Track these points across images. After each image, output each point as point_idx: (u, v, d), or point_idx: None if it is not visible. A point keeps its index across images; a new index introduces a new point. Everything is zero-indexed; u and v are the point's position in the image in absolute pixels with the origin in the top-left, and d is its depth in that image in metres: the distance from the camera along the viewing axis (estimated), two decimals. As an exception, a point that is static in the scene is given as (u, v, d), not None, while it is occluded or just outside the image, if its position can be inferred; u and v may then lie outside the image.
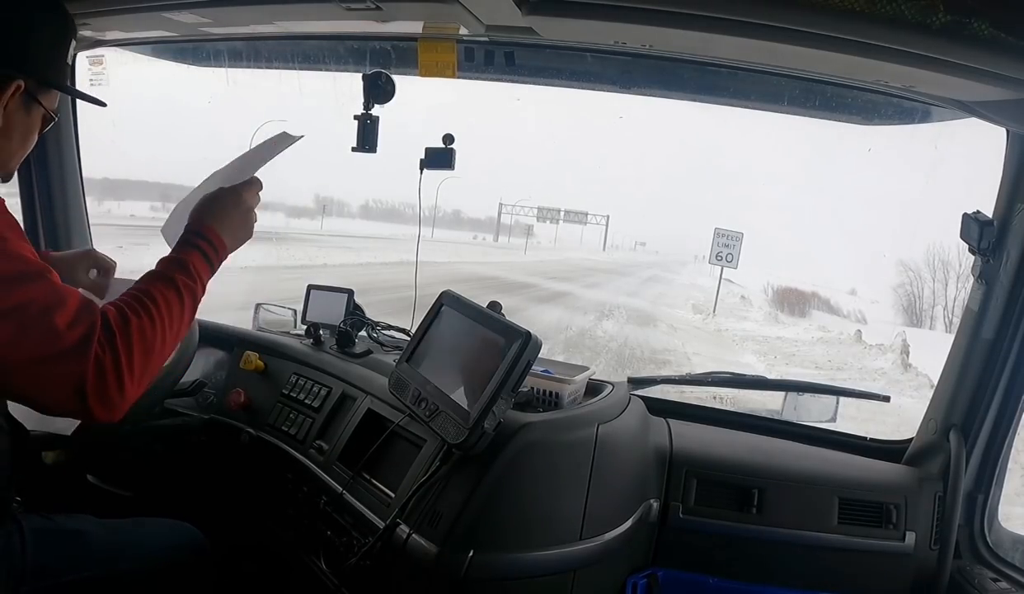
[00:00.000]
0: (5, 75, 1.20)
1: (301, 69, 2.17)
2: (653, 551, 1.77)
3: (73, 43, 1.33)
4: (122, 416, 1.11)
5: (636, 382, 2.06)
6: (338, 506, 1.65)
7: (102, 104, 1.46)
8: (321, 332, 2.15)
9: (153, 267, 1.26)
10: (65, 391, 1.07)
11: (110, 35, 2.03)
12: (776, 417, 2.09)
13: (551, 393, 1.66)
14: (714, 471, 1.79)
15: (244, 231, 1.38)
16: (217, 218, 1.33)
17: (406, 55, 1.90)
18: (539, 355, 1.47)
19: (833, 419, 2.08)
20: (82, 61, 2.23)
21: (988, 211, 1.71)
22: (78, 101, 2.28)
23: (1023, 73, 1.35)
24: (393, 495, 1.55)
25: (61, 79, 1.31)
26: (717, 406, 2.31)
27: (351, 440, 1.75)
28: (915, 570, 1.77)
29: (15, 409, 1.38)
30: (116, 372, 1.09)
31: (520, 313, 11.45)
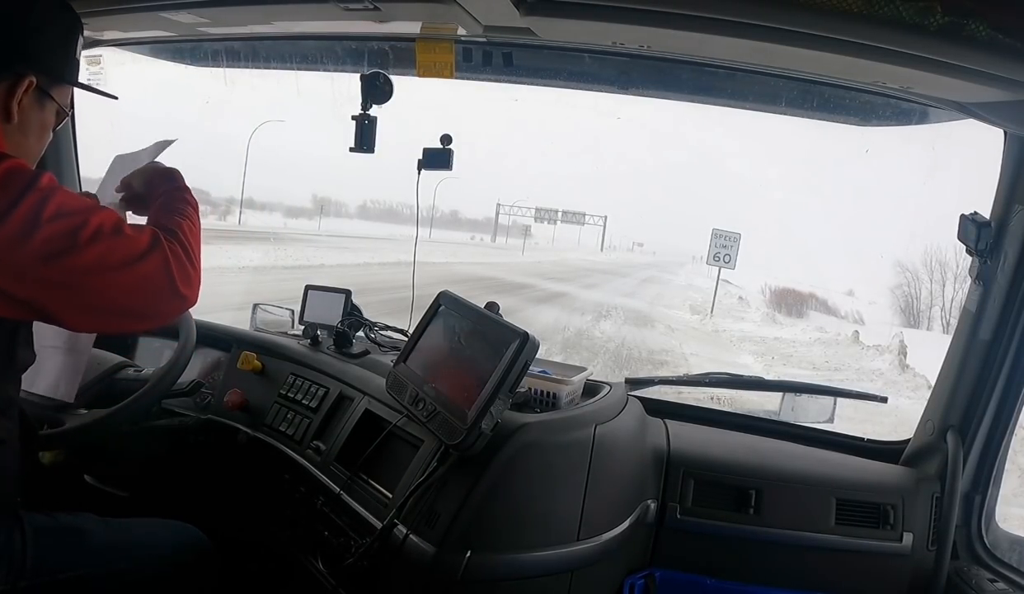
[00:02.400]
0: (18, 72, 1.24)
1: (299, 69, 2.17)
2: (650, 552, 1.77)
3: (81, 39, 1.37)
4: (197, 298, 1.31)
5: (633, 383, 2.06)
6: (336, 506, 1.65)
7: (113, 98, 1.54)
8: (319, 332, 2.15)
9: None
10: (160, 279, 1.23)
11: (108, 35, 2.03)
12: (774, 418, 2.10)
13: (549, 394, 1.66)
14: (712, 472, 1.79)
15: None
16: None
17: (404, 55, 1.89)
18: (537, 356, 1.46)
19: (831, 420, 2.08)
20: (80, 61, 2.23)
21: (985, 212, 1.72)
22: (76, 101, 2.29)
23: (1021, 74, 1.35)
24: (391, 495, 1.55)
25: (72, 74, 1.36)
26: (715, 407, 2.31)
27: (349, 440, 1.74)
28: (912, 571, 1.78)
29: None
30: (187, 256, 1.27)
31: (518, 314, 11.45)
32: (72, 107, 2.27)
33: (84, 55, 2.14)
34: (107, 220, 1.20)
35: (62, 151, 2.28)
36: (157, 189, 1.45)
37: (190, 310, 1.87)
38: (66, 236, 1.15)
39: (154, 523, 1.63)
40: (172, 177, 1.48)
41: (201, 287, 1.32)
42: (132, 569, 1.49)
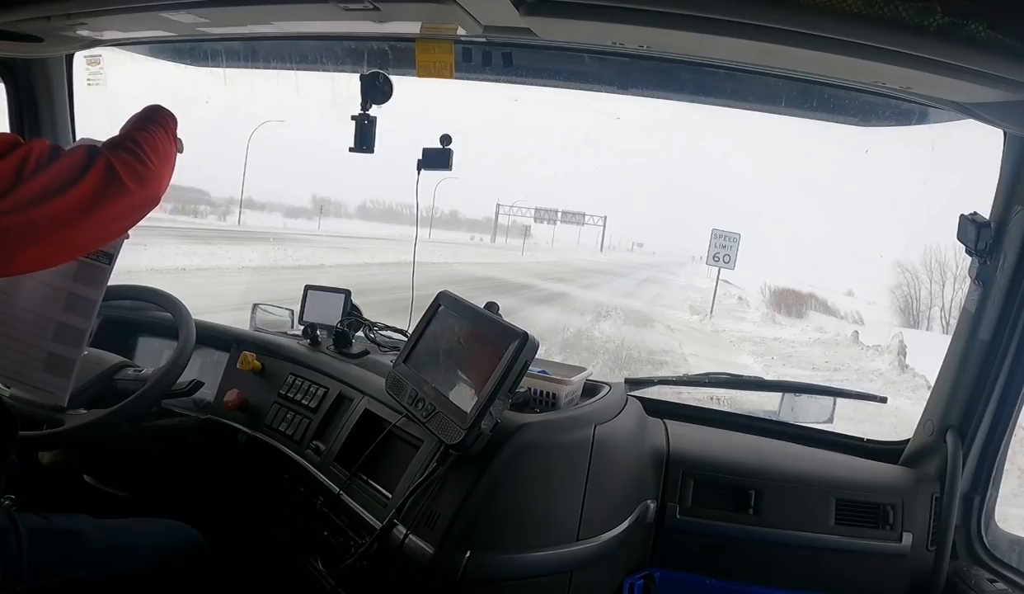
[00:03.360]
0: None
1: (299, 69, 2.16)
2: (650, 552, 1.77)
3: None
4: (162, 192, 1.41)
5: (633, 383, 2.06)
6: (335, 506, 1.65)
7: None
8: (318, 332, 2.15)
9: None
10: (108, 186, 1.29)
11: (107, 35, 2.03)
12: (773, 418, 2.10)
13: (548, 394, 1.66)
14: (711, 472, 1.79)
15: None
16: None
17: (404, 55, 1.89)
18: (536, 356, 1.46)
19: (830, 420, 2.09)
20: (79, 61, 2.23)
21: (985, 212, 1.72)
22: (76, 101, 2.30)
23: (1021, 74, 1.35)
24: (390, 496, 1.55)
25: None
26: (714, 407, 2.31)
27: (348, 441, 1.74)
28: (912, 571, 1.78)
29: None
30: (135, 157, 1.33)
31: (517, 314, 11.44)
32: (72, 107, 2.29)
33: (84, 55, 2.16)
34: (44, 148, 1.26)
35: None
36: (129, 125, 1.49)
37: (189, 310, 1.90)
38: (13, 171, 1.21)
39: (149, 523, 1.63)
40: (148, 113, 1.50)
41: (168, 182, 1.42)
42: (128, 570, 1.49)
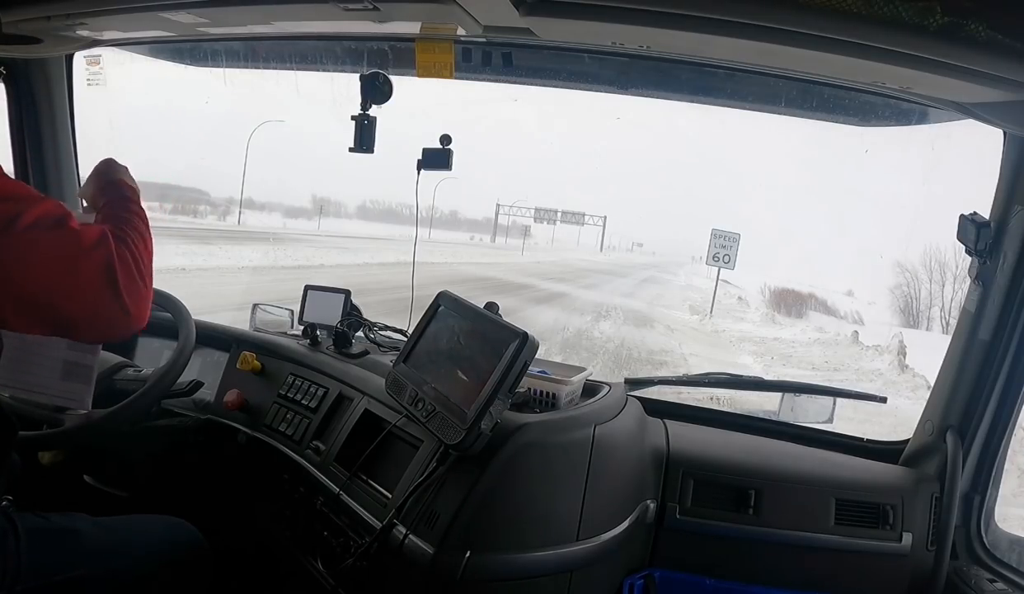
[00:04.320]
0: None
1: (298, 69, 2.17)
2: (650, 552, 1.77)
3: None
4: (146, 321, 1.24)
5: (633, 383, 2.06)
6: (335, 507, 1.65)
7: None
8: (318, 332, 2.15)
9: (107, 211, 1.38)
10: (101, 281, 1.17)
11: (107, 35, 2.03)
12: (773, 418, 2.10)
13: (548, 394, 1.66)
14: (711, 472, 1.79)
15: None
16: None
17: (403, 55, 1.90)
18: (536, 356, 1.46)
19: (830, 420, 2.09)
20: (79, 61, 2.23)
21: (985, 212, 1.72)
22: (75, 101, 2.30)
23: (1021, 74, 1.35)
24: (390, 496, 1.55)
25: None
26: (714, 407, 2.31)
27: (348, 441, 1.74)
28: (912, 571, 1.78)
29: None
30: (136, 265, 1.22)
31: (517, 314, 11.45)
32: (72, 107, 2.29)
33: (83, 55, 2.16)
34: (50, 212, 1.16)
35: (61, 151, 2.29)
36: (105, 195, 1.43)
37: (189, 310, 1.89)
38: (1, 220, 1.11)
39: (148, 521, 1.62)
40: (120, 187, 1.45)
41: (149, 313, 1.25)
42: (128, 569, 1.49)
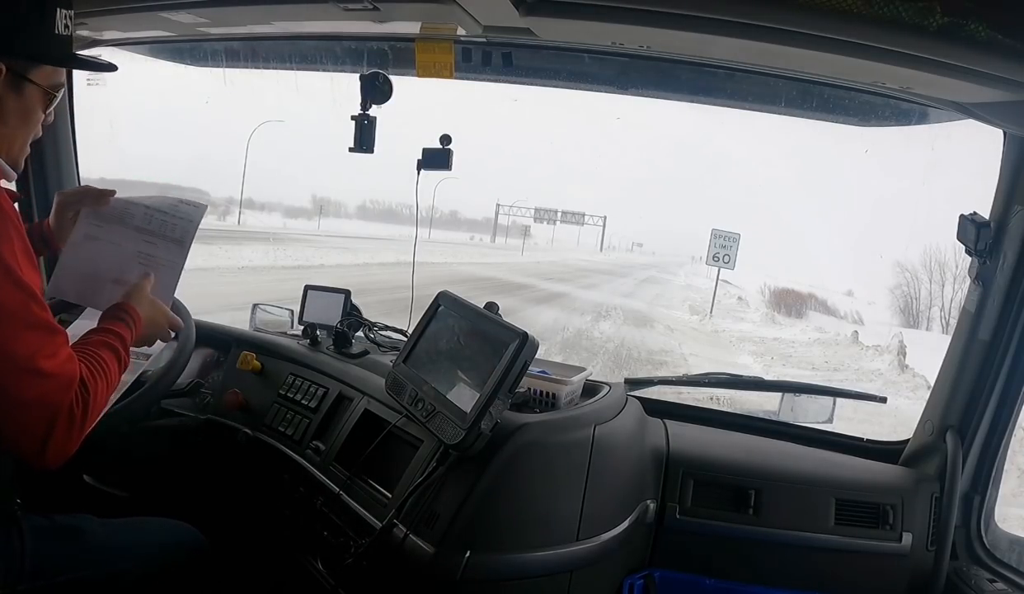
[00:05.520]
0: None
1: (298, 69, 2.17)
2: (650, 552, 1.77)
3: (59, 10, 1.24)
4: (57, 466, 1.16)
5: (633, 383, 2.06)
6: (335, 506, 1.65)
7: (111, 68, 1.44)
8: (318, 332, 2.15)
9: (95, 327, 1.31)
10: (40, 419, 1.12)
11: (107, 35, 2.03)
12: (773, 418, 2.10)
13: (548, 394, 1.66)
14: (711, 472, 1.79)
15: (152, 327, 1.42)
16: (142, 304, 1.38)
17: (403, 55, 1.90)
18: (536, 356, 1.46)
19: (830, 420, 2.08)
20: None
21: (985, 212, 1.72)
22: (75, 101, 2.29)
23: (1020, 74, 1.35)
24: (390, 496, 1.55)
25: (55, 51, 1.23)
26: (714, 407, 2.31)
27: (348, 441, 1.74)
28: (912, 571, 1.78)
29: None
30: (81, 422, 1.16)
31: (517, 314, 11.44)
32: (72, 107, 2.29)
33: (84, 55, 2.15)
34: (24, 312, 1.10)
35: (61, 151, 2.28)
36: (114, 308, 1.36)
37: (189, 311, 1.89)
38: None
39: (151, 522, 1.62)
40: (130, 297, 1.38)
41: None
42: (130, 570, 1.49)
